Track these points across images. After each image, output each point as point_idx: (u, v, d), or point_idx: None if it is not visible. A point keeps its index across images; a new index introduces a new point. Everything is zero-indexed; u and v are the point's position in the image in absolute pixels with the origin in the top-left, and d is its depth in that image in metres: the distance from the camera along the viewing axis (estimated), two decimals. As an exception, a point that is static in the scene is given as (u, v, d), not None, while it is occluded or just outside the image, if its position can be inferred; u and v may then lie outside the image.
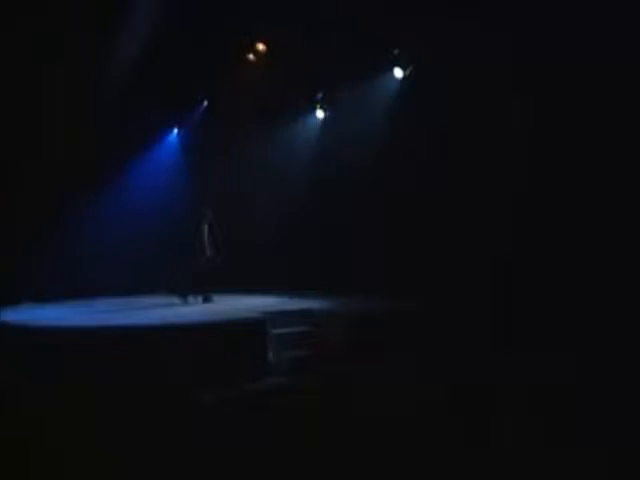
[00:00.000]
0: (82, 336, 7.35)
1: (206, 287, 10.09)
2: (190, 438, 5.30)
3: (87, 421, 5.57)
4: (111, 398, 6.05)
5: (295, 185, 11.25)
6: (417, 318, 7.77)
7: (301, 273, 10.68)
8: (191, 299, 10.10)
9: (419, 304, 8.14)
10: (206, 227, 10.12)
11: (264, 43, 11.11)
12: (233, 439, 5.31)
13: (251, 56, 11.34)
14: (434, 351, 7.01)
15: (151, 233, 11.64)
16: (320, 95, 11.12)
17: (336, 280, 10.07)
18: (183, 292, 10.13)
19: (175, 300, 10.13)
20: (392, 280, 9.20)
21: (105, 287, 11.06)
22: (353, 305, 8.96)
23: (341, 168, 10.55)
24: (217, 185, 11.99)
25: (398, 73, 9.68)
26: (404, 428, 5.31)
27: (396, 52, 9.64)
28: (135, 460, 4.87)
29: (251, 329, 7.48)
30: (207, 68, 10.90)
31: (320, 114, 11.22)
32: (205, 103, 12.36)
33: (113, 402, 6.00)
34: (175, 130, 13.10)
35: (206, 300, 10.04)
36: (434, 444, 5.00)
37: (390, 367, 6.76)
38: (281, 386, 6.85)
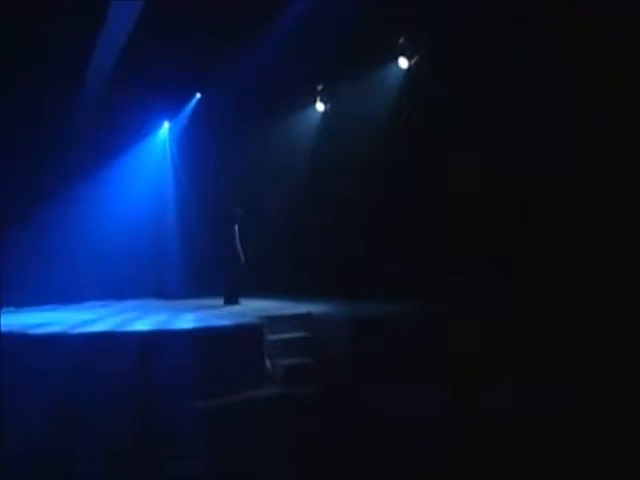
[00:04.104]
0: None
1: (240, 289, 9.92)
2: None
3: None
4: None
5: (296, 183, 10.95)
6: (418, 320, 7.53)
7: (303, 275, 10.39)
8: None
9: (420, 306, 7.98)
10: (236, 228, 9.88)
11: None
12: (230, 448, 5.36)
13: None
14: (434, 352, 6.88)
15: (139, 235, 11.34)
16: (320, 87, 10.75)
17: (338, 283, 9.73)
18: (227, 295, 9.88)
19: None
20: (392, 281, 8.77)
21: (89, 292, 10.64)
22: (354, 309, 8.57)
23: (342, 163, 10.16)
24: (214, 183, 11.76)
25: (403, 63, 9.24)
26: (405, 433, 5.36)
27: (401, 41, 9.18)
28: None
29: (247, 335, 7.09)
30: (201, 58, 10.43)
31: (320, 107, 10.86)
32: (198, 95, 11.94)
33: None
34: (166, 124, 12.70)
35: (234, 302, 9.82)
36: (436, 449, 5.06)
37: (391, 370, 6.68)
38: (278, 395, 6.61)
